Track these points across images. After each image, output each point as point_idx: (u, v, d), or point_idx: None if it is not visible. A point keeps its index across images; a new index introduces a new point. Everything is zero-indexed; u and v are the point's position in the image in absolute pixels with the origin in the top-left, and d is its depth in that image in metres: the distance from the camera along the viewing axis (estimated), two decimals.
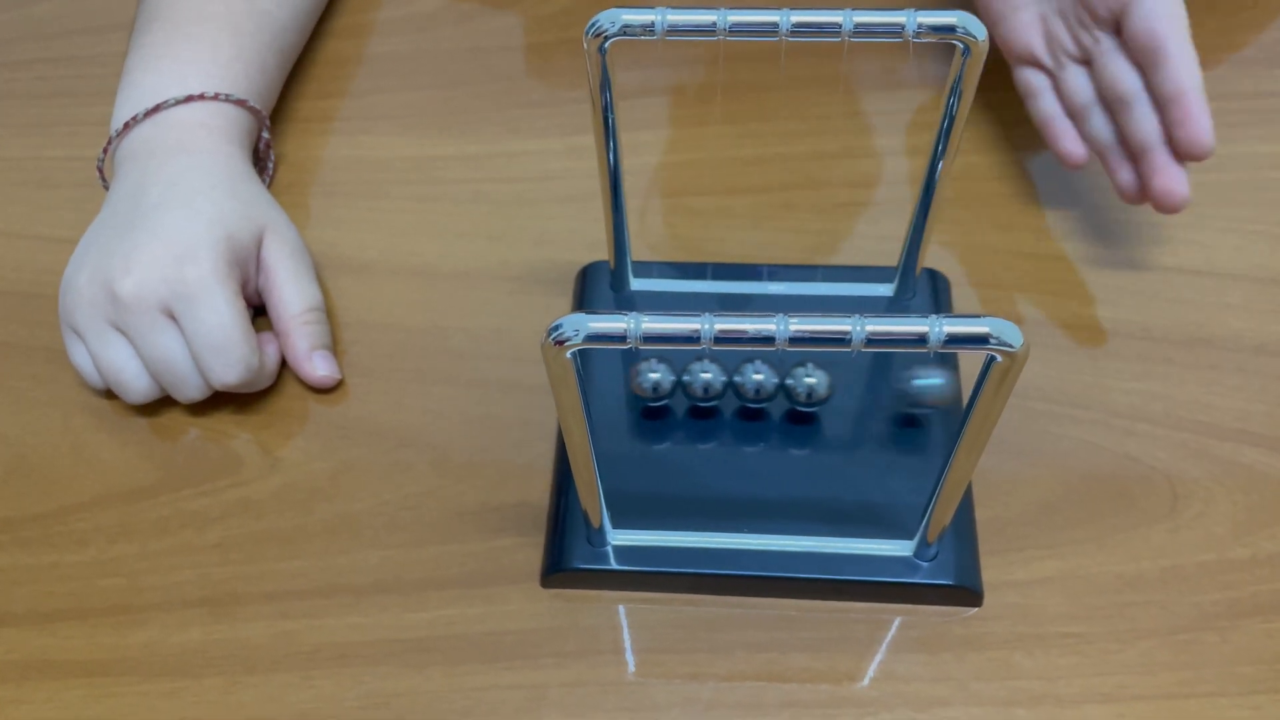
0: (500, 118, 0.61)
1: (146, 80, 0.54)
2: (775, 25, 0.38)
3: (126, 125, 0.52)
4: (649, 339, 0.32)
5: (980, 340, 0.31)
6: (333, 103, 0.62)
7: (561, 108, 0.61)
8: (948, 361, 0.48)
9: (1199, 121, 0.47)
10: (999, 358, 0.32)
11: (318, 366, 0.50)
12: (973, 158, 0.57)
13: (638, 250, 0.54)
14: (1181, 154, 0.49)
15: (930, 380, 0.46)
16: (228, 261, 0.48)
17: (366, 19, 0.66)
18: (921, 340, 0.31)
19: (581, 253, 0.55)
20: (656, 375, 0.46)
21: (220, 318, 0.47)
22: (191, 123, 0.53)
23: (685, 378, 0.46)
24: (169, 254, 0.47)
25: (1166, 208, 0.50)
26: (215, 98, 0.53)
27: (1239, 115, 0.58)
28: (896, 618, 0.44)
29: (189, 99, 0.53)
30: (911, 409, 0.46)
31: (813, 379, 0.46)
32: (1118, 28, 0.50)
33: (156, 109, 0.52)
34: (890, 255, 0.51)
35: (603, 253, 0.54)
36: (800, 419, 0.47)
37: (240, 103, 0.54)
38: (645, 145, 0.59)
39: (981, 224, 0.55)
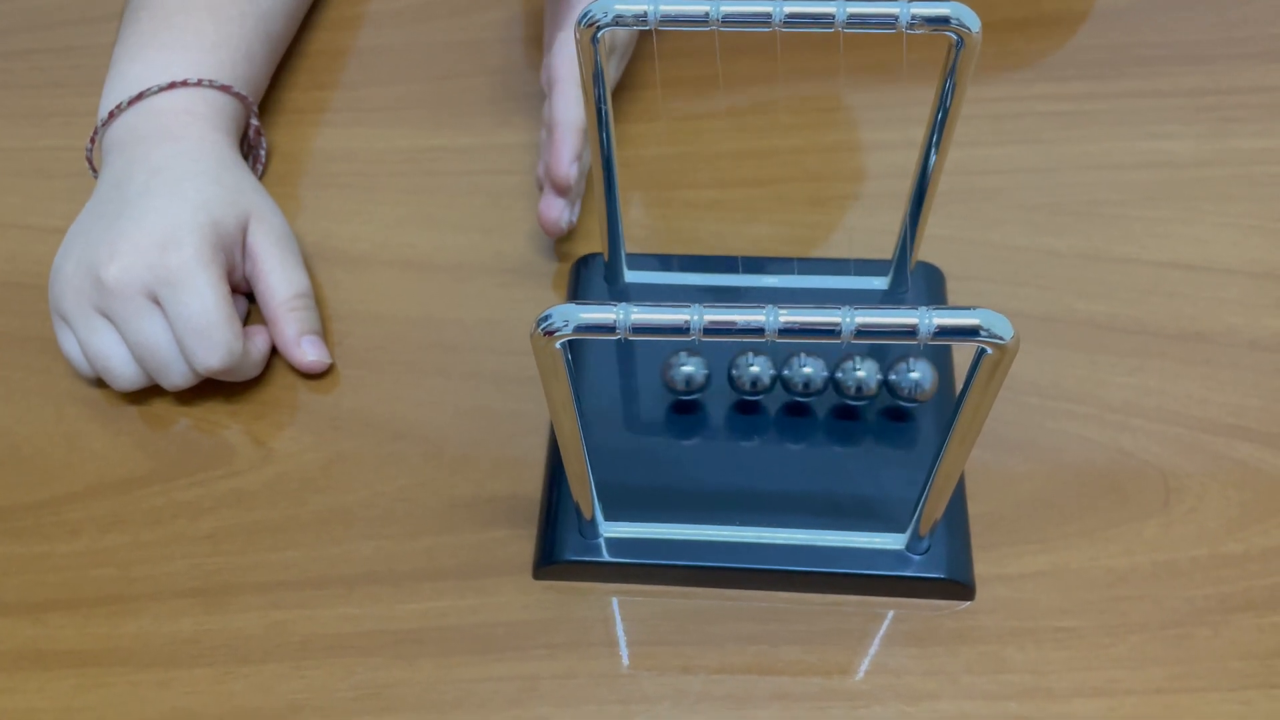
0: (493, 110, 0.61)
1: (132, 69, 0.53)
2: (768, 16, 0.37)
3: (111, 114, 0.52)
4: (638, 330, 0.32)
5: (971, 332, 0.31)
6: (326, 94, 0.62)
7: None
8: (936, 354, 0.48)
9: (557, 152, 0.51)
10: (990, 350, 0.32)
11: (307, 352, 0.50)
12: (967, 150, 0.57)
13: (632, 243, 0.54)
14: (551, 182, 0.52)
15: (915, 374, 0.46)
16: (212, 246, 0.48)
17: (359, 10, 0.66)
18: (911, 332, 0.31)
19: (576, 245, 0.55)
20: (689, 369, 0.46)
21: (203, 302, 0.47)
22: (175, 110, 0.53)
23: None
24: (152, 240, 0.47)
25: (545, 231, 0.52)
26: (199, 84, 0.53)
27: (1236, 110, 0.58)
28: (888, 611, 0.44)
29: (172, 86, 0.53)
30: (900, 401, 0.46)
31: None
32: None
33: (140, 97, 0.52)
34: (885, 249, 0.51)
35: (597, 245, 0.54)
36: (793, 411, 0.47)
37: (225, 89, 0.54)
38: (639, 137, 0.59)
39: (976, 217, 0.55)
